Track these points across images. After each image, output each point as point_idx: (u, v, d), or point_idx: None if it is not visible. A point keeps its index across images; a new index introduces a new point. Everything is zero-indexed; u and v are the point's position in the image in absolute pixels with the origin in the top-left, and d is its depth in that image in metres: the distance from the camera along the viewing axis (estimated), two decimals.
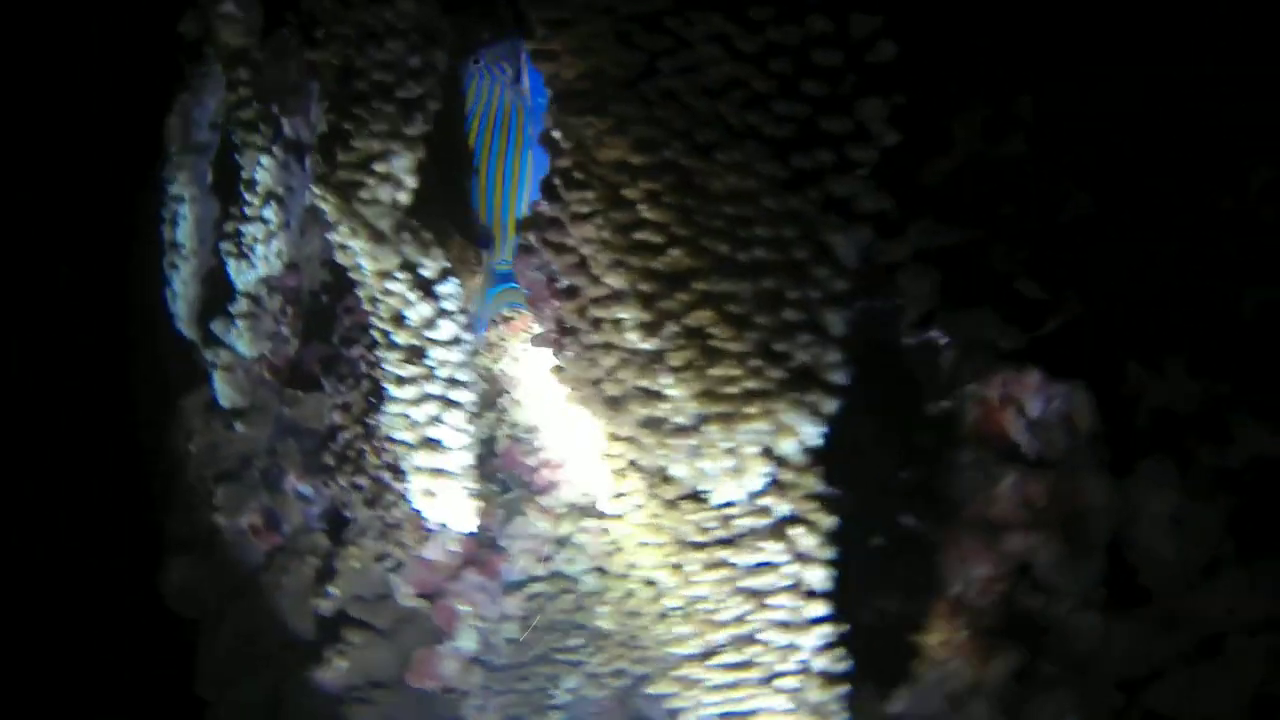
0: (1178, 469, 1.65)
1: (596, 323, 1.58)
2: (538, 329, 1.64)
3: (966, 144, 1.68)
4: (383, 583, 2.17)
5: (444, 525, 1.88)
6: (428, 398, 1.80)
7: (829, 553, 1.59)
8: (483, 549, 2.08)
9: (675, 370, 1.50)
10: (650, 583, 1.80)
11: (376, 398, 1.90)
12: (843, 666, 1.59)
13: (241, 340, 2.16)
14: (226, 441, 2.29)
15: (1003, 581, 1.73)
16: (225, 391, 2.22)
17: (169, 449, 2.40)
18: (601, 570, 1.94)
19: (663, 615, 1.79)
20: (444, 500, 1.84)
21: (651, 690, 1.84)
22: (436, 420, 1.80)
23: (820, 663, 1.58)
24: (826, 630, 1.57)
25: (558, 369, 1.66)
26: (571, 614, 1.99)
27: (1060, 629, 1.73)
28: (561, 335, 1.63)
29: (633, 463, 1.68)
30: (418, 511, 1.88)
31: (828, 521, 1.58)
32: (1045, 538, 1.69)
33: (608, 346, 1.57)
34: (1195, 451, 1.66)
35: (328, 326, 2.15)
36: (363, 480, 2.04)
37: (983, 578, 1.72)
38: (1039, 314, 1.71)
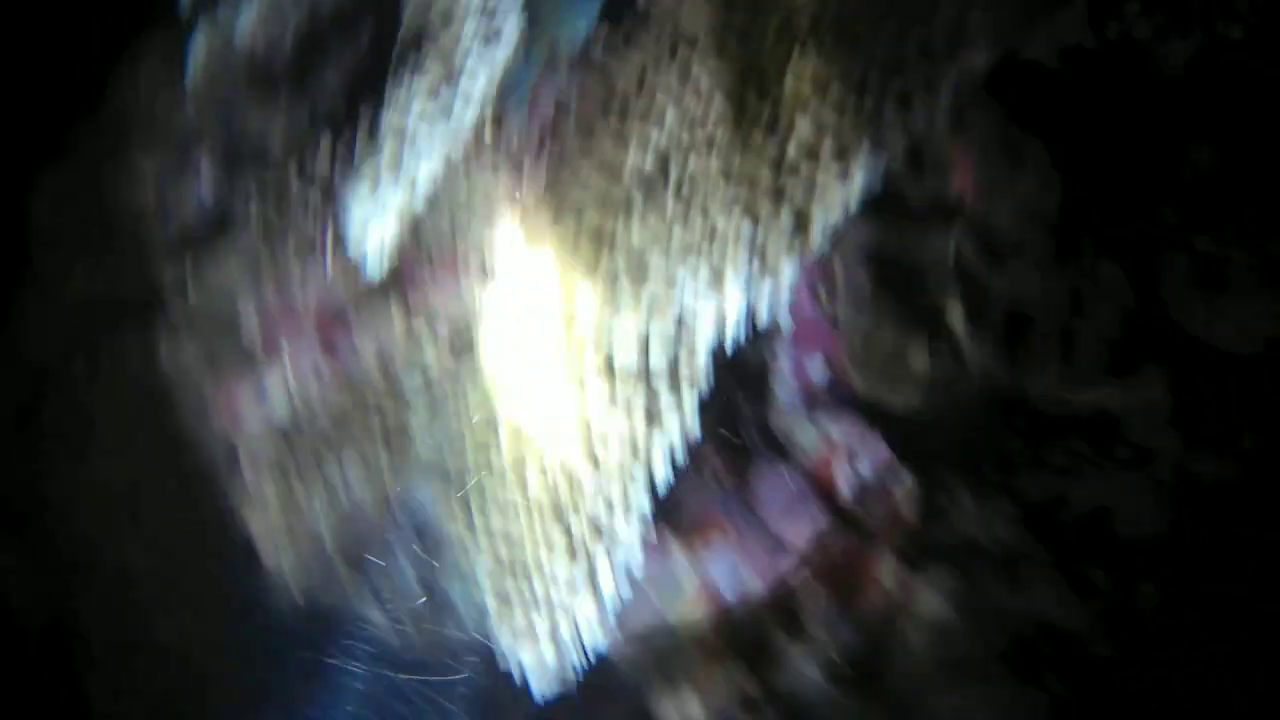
0: (960, 583, 1.76)
1: (592, 150, 1.67)
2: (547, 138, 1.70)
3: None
4: (234, 314, 2.15)
5: (362, 259, 1.87)
6: (434, 99, 1.79)
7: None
8: (335, 323, 2.08)
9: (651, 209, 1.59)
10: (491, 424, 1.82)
11: (347, 118, 1.89)
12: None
13: (244, 18, 2.11)
14: (170, 112, 2.23)
15: (766, 604, 1.82)
16: (196, 64, 2.16)
17: (115, 96, 2.32)
18: (437, 394, 1.95)
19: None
20: (375, 234, 1.84)
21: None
22: (417, 144, 1.80)
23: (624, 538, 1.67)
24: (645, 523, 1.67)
25: (536, 179, 1.72)
26: (386, 419, 1.99)
27: (793, 676, 1.82)
28: (556, 148, 1.70)
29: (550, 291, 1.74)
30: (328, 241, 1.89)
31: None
32: (821, 585, 1.78)
33: (593, 177, 1.66)
34: (983, 579, 1.77)
35: (346, 33, 2.09)
36: (283, 201, 2.02)
37: (751, 589, 1.81)
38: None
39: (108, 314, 2.29)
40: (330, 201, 1.92)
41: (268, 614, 2.12)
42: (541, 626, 1.70)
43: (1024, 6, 1.67)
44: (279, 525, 2.10)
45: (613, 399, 1.64)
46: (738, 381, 1.82)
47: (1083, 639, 1.73)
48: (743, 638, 1.82)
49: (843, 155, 1.55)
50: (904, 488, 1.79)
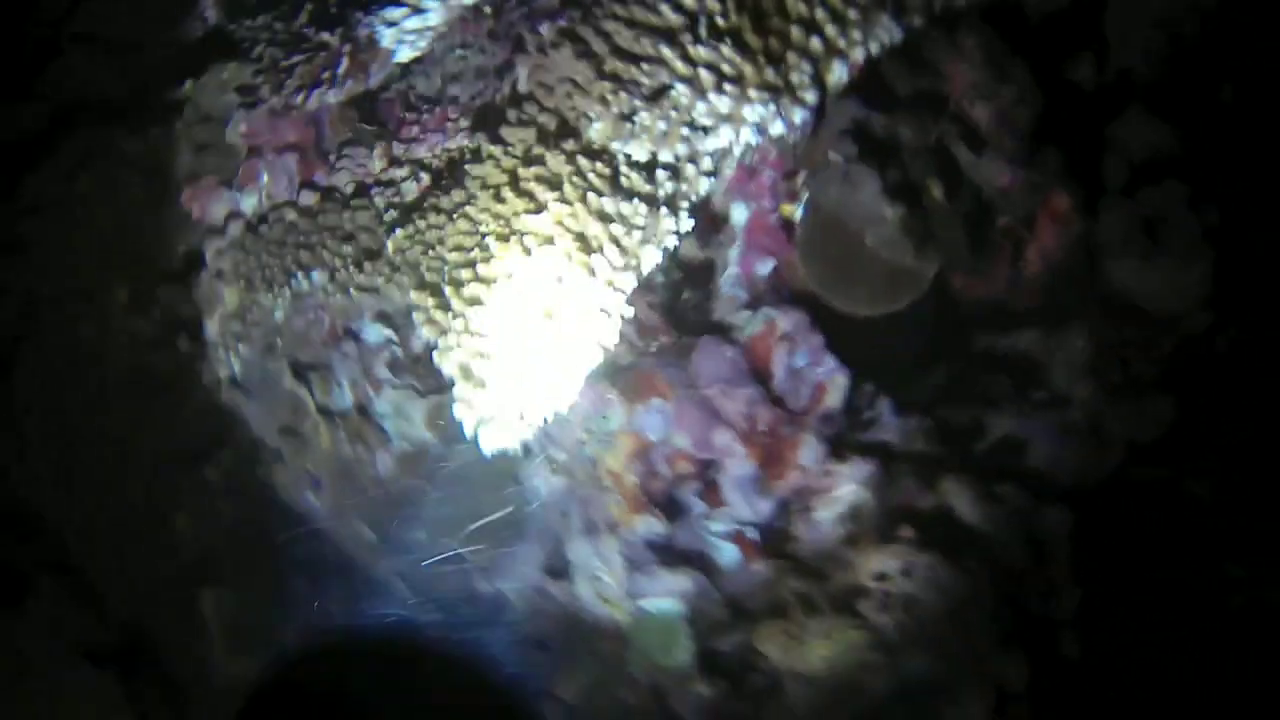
0: (877, 475, 1.84)
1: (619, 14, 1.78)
2: None
3: None
4: (223, 130, 2.21)
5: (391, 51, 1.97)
6: None
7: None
8: (315, 153, 2.14)
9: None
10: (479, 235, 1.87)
11: None
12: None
13: None
14: None
15: (690, 464, 1.88)
16: None
17: None
18: (409, 210, 1.98)
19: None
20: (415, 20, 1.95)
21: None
22: None
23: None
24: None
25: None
26: (357, 231, 2.02)
27: (706, 536, 1.88)
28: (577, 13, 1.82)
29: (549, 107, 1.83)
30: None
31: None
32: (746, 454, 1.85)
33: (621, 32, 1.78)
34: (899, 475, 1.84)
35: None
36: (290, 30, 2.11)
37: (680, 450, 1.88)
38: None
39: (102, 114, 2.35)
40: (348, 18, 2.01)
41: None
42: (505, 394, 1.76)
43: None
44: (233, 329, 2.15)
45: (615, 214, 1.74)
46: (686, 275, 1.93)
47: (997, 541, 1.80)
48: (664, 495, 1.88)
49: (866, 18, 1.73)
50: (835, 383, 1.86)
